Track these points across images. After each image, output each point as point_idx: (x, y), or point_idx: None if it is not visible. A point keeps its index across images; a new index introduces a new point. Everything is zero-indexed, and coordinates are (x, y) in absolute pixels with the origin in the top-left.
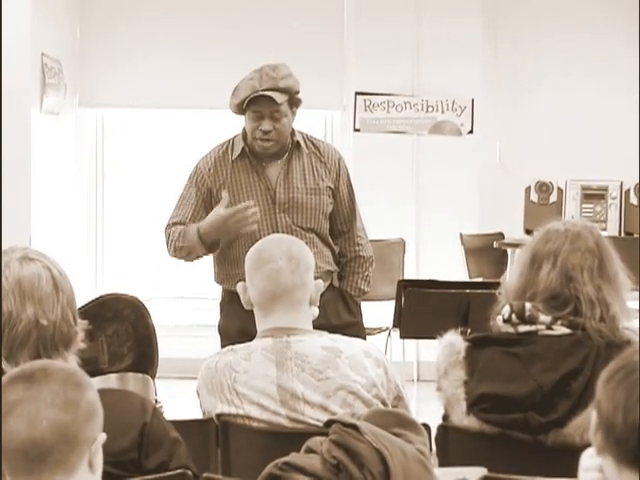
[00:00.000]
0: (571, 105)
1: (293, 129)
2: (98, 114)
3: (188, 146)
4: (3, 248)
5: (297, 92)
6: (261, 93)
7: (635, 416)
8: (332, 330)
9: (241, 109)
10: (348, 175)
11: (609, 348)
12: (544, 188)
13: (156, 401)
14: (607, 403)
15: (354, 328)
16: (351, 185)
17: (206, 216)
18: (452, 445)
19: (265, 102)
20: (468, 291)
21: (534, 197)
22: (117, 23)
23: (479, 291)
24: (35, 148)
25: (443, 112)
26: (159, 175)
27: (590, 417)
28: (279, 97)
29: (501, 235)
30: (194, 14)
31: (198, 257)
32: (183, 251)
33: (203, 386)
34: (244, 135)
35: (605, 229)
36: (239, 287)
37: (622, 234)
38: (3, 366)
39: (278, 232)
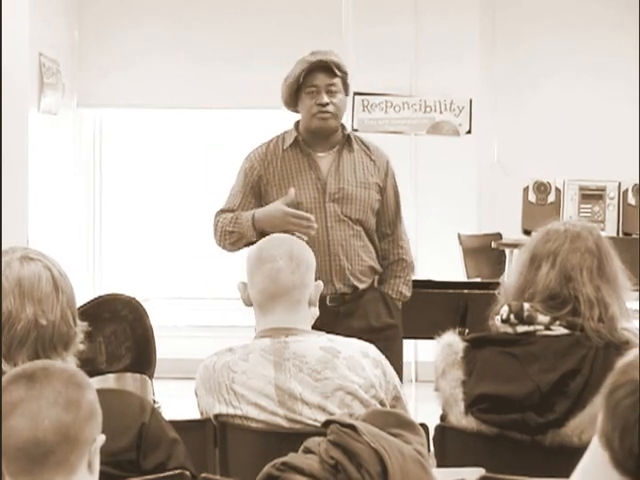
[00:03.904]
0: (569, 105)
1: (343, 124)
2: (96, 114)
3: (186, 146)
4: (2, 248)
5: (347, 78)
6: (320, 61)
7: (632, 439)
8: (371, 331)
9: (294, 95)
10: (395, 179)
11: (607, 349)
12: (542, 188)
13: (154, 401)
14: (607, 418)
15: (393, 331)
16: (397, 188)
17: (255, 205)
18: (450, 445)
19: (321, 76)
20: (466, 291)
21: (532, 197)
22: (115, 23)
23: (477, 291)
24: (33, 148)
25: (441, 112)
26: (157, 175)
27: (588, 418)
28: (335, 69)
29: (499, 235)
30: (192, 14)
31: (245, 245)
32: (233, 236)
33: (201, 386)
34: (296, 126)
35: (603, 229)
36: (239, 286)
37: (620, 234)
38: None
39: (327, 222)
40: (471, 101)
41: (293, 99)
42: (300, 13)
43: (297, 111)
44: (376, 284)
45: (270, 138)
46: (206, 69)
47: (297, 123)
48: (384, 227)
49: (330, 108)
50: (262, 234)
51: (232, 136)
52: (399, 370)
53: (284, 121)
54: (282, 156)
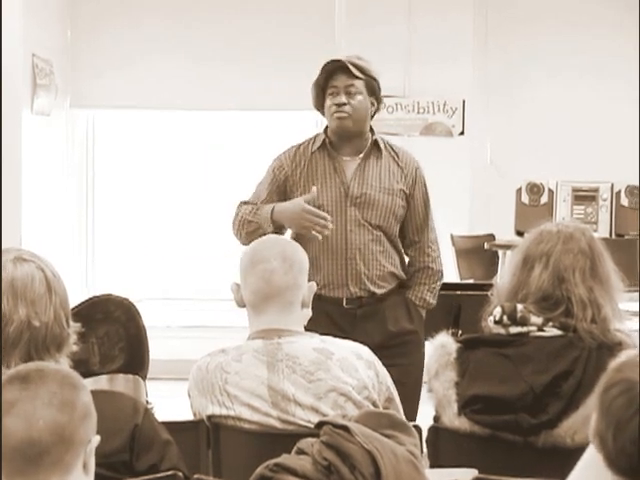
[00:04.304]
0: (562, 106)
1: (372, 130)
2: (89, 115)
3: (178, 147)
4: None
5: (377, 83)
6: (338, 62)
7: (625, 438)
8: (388, 336)
9: (322, 95)
10: (425, 186)
11: (600, 350)
12: (535, 189)
13: (147, 402)
14: (601, 416)
15: (411, 336)
16: (427, 197)
17: (279, 200)
18: (443, 446)
19: (341, 77)
20: (459, 292)
21: (525, 198)
22: (108, 24)
23: (470, 292)
24: (26, 149)
25: (434, 113)
26: (149, 176)
27: (581, 419)
28: (354, 70)
29: (492, 236)
30: (185, 15)
31: (260, 236)
32: (251, 225)
33: (194, 387)
34: (326, 129)
35: (596, 230)
36: (232, 287)
37: (613, 235)
38: None
39: (347, 225)
40: (464, 102)
41: (320, 101)
42: (293, 15)
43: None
44: (400, 290)
45: (302, 140)
46: (200, 70)
47: (327, 127)
48: (412, 234)
49: (346, 108)
50: (279, 227)
51: (227, 138)
52: (419, 377)
53: (278, 123)
54: (310, 158)
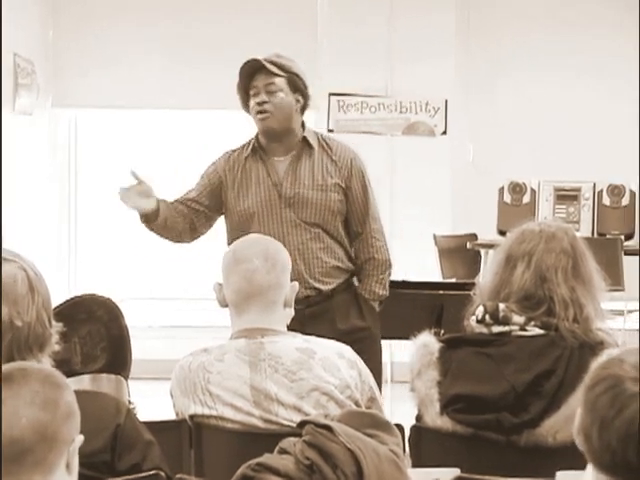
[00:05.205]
0: (544, 106)
1: (304, 126)
2: (71, 115)
3: (161, 147)
4: None
5: (301, 79)
6: (256, 62)
7: (610, 434)
8: (339, 335)
9: (247, 98)
10: (363, 176)
11: (582, 349)
12: (517, 189)
13: (129, 402)
14: (586, 413)
15: (364, 333)
16: (366, 187)
17: (210, 204)
18: (425, 446)
19: (259, 76)
20: (442, 292)
21: (507, 198)
22: (90, 23)
23: (453, 292)
24: (7, 149)
25: (417, 113)
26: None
27: (563, 418)
28: (273, 68)
29: (474, 236)
30: (168, 14)
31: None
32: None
33: (176, 387)
34: (257, 133)
35: (578, 230)
36: (215, 286)
37: (595, 235)
38: None
39: (283, 228)
40: (446, 102)
41: (245, 103)
42: (275, 14)
43: None
44: (354, 284)
45: (239, 144)
46: (181, 70)
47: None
48: (354, 226)
49: (267, 107)
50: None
51: (212, 137)
52: (376, 374)
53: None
54: (243, 163)
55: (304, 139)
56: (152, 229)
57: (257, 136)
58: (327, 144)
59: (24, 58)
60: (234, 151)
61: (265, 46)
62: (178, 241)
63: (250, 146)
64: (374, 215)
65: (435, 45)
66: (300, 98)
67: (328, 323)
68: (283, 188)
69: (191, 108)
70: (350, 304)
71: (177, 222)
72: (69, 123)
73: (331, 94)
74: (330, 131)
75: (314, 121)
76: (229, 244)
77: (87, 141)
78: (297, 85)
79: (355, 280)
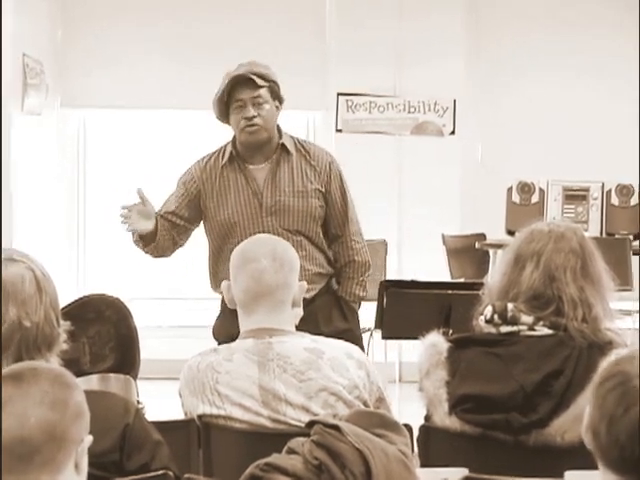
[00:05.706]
0: (553, 106)
1: (281, 131)
2: (80, 115)
3: (170, 147)
4: None
5: (277, 85)
6: (241, 75)
7: (618, 429)
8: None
9: (225, 110)
10: (341, 179)
11: (591, 349)
12: (526, 189)
13: (138, 402)
14: (595, 409)
15: (346, 335)
16: (345, 189)
17: (189, 216)
18: (434, 446)
19: (245, 89)
20: (450, 292)
21: (516, 198)
22: (99, 24)
23: (461, 292)
24: (16, 149)
25: (425, 113)
26: (141, 176)
27: (571, 418)
28: (258, 80)
29: (483, 236)
30: (176, 15)
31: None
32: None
33: (185, 387)
34: (233, 140)
35: (587, 230)
36: (223, 286)
37: (603, 235)
38: None
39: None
40: (455, 102)
41: (224, 114)
42: (284, 14)
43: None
44: (334, 287)
45: (213, 150)
46: (190, 70)
47: (234, 137)
48: (334, 229)
49: (257, 121)
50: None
51: (219, 137)
52: None
53: None
54: (220, 172)
55: (282, 145)
56: (146, 252)
57: (234, 143)
58: (304, 148)
59: (33, 58)
60: (210, 157)
61: (273, 48)
62: (160, 256)
63: (227, 154)
64: (352, 217)
65: (443, 45)
66: (279, 104)
67: (311, 326)
68: (264, 197)
69: (201, 108)
70: (332, 306)
71: (165, 239)
72: (78, 123)
73: (339, 94)
74: (339, 131)
75: (322, 121)
76: (213, 252)
77: (96, 141)
78: (276, 92)
79: (334, 282)
